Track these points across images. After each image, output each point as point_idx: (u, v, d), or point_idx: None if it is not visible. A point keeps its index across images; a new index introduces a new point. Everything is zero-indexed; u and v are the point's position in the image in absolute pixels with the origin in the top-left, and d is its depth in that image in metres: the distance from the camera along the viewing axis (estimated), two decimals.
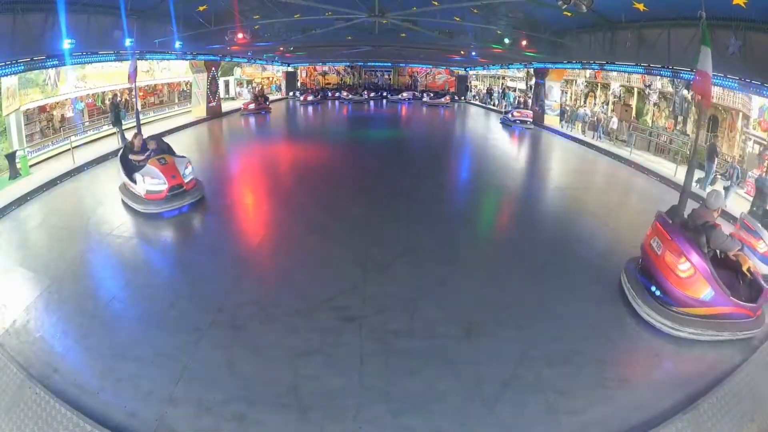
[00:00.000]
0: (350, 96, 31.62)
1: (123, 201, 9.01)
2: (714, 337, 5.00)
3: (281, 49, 22.89)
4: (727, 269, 5.13)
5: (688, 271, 4.97)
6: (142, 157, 9.27)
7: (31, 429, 3.73)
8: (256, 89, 26.55)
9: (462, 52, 22.52)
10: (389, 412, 4.06)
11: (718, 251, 5.16)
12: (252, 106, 23.99)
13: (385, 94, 33.37)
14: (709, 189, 11.24)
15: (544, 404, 4.19)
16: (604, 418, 4.06)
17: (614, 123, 18.24)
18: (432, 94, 31.68)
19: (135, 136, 9.83)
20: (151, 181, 8.59)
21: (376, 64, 35.13)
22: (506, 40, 15.23)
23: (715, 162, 11.51)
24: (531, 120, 21.44)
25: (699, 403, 4.12)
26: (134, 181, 8.68)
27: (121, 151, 9.77)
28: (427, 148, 16.97)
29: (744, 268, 5.03)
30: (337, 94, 32.20)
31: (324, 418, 3.98)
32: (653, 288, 5.24)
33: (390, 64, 35.05)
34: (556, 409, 4.13)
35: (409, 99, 31.68)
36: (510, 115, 21.95)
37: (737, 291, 5.00)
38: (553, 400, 4.23)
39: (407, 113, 26.99)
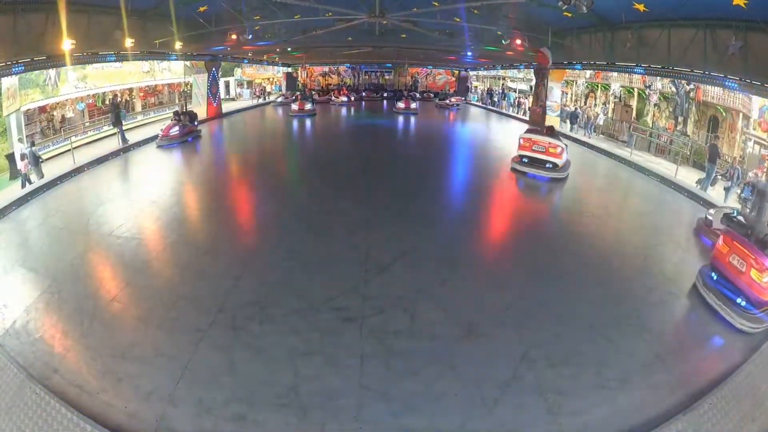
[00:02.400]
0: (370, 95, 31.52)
1: None
2: None
3: (278, 50, 22.78)
4: None
5: None
6: None
7: (31, 429, 3.73)
8: (182, 107, 17.32)
9: (468, 53, 22.47)
10: (389, 413, 4.06)
11: None
12: (175, 130, 15.20)
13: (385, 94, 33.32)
14: (710, 190, 11.27)
15: (544, 405, 4.19)
16: (605, 419, 4.06)
17: (600, 119, 19.61)
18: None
19: None
20: None
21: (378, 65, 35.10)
22: (504, 42, 15.17)
23: (717, 163, 11.50)
24: (460, 103, 28.69)
25: (699, 403, 4.13)
26: None
27: None
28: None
29: None
30: (343, 98, 29.26)
31: (324, 418, 3.98)
32: (739, 300, 5.60)
33: (390, 65, 35.00)
34: (557, 410, 4.13)
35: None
36: (448, 100, 28.53)
37: None
38: (554, 401, 4.23)
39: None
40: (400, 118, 23.65)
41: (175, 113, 16.43)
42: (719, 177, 11.62)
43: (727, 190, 10.70)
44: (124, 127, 14.90)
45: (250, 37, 14.80)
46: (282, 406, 4.09)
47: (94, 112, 17.29)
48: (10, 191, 9.67)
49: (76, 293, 5.84)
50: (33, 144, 10.96)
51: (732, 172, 10.73)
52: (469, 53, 21.51)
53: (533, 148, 12.04)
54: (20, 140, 12.35)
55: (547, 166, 11.82)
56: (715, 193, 11.14)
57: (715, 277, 6.04)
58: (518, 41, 14.99)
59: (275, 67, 31.81)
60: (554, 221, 9.36)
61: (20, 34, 9.33)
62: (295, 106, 23.13)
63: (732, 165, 11.01)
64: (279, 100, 28.51)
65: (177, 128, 15.27)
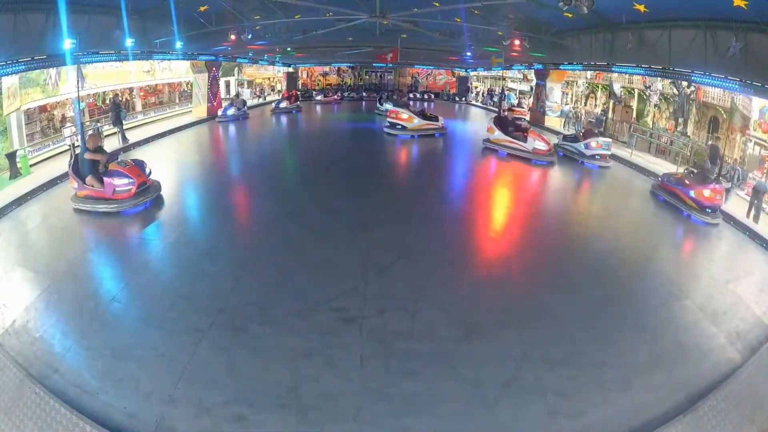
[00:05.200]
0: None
1: None
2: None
3: (278, 49, 22.68)
4: None
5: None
6: None
7: (30, 429, 3.73)
8: None
9: (468, 53, 22.50)
10: (389, 413, 4.06)
11: None
12: None
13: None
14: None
15: (544, 406, 4.19)
16: (604, 420, 4.06)
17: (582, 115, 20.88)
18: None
19: None
20: None
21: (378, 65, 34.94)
22: (504, 43, 15.19)
23: (718, 164, 11.45)
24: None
25: (699, 405, 4.13)
26: None
27: None
28: None
29: None
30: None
31: (324, 419, 3.98)
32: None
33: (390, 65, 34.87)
34: (556, 411, 4.13)
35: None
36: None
37: None
38: (553, 402, 4.23)
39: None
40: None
41: None
42: (720, 178, 11.59)
43: (727, 191, 10.63)
44: (124, 127, 14.89)
45: (250, 36, 14.79)
46: (282, 406, 4.09)
47: (94, 112, 17.28)
48: (10, 190, 9.61)
49: (75, 293, 5.84)
50: (98, 122, 12.74)
51: (732, 172, 10.69)
52: (468, 53, 21.49)
53: (513, 115, 18.07)
54: (67, 127, 13.95)
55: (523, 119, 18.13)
56: None
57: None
58: (516, 42, 15.00)
59: (276, 67, 31.74)
60: (554, 221, 9.36)
61: (21, 33, 9.32)
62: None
63: (732, 166, 10.98)
64: (231, 112, 20.20)
65: None
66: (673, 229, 9.53)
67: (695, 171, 10.47)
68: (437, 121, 17.49)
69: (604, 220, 9.44)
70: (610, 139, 14.24)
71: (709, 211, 9.57)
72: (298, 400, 4.16)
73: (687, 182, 10.10)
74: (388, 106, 21.16)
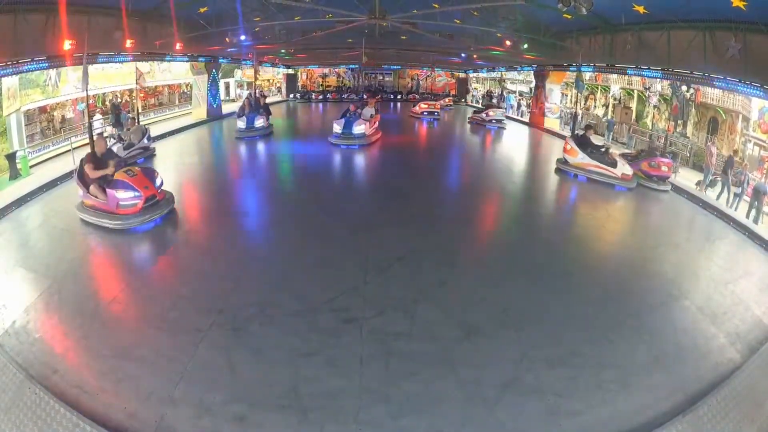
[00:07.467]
0: None
1: None
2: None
3: (282, 51, 22.67)
4: None
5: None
6: None
7: (30, 429, 3.73)
8: None
9: (473, 54, 22.60)
10: (389, 414, 4.06)
11: None
12: None
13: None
14: (709, 192, 11.26)
15: (544, 406, 4.19)
16: (604, 420, 4.06)
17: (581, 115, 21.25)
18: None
19: None
20: None
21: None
22: (524, 46, 15.17)
23: (729, 173, 11.37)
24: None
25: (698, 405, 4.13)
26: None
27: None
28: None
29: None
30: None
31: (324, 419, 3.98)
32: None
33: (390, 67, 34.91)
34: (556, 411, 4.13)
35: None
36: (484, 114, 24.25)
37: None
38: (553, 402, 4.23)
39: None
40: None
41: None
42: (718, 178, 11.57)
43: (737, 196, 10.44)
44: (124, 128, 14.89)
45: (249, 38, 14.83)
46: (282, 406, 4.09)
47: (94, 113, 17.29)
48: (10, 191, 9.63)
49: (76, 293, 5.83)
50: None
51: (743, 177, 10.49)
52: (463, 54, 21.65)
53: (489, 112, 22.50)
54: (96, 119, 16.21)
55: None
56: (715, 194, 11.14)
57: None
58: (525, 45, 15.06)
59: (275, 69, 31.78)
60: (554, 223, 9.37)
61: (21, 34, 9.34)
62: None
63: (741, 170, 10.77)
64: (117, 147, 11.74)
65: None
66: (627, 196, 11.13)
67: (646, 149, 12.78)
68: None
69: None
70: (502, 110, 22.81)
71: (656, 179, 11.59)
72: (298, 400, 4.16)
73: (637, 158, 12.22)
74: (364, 126, 15.50)
